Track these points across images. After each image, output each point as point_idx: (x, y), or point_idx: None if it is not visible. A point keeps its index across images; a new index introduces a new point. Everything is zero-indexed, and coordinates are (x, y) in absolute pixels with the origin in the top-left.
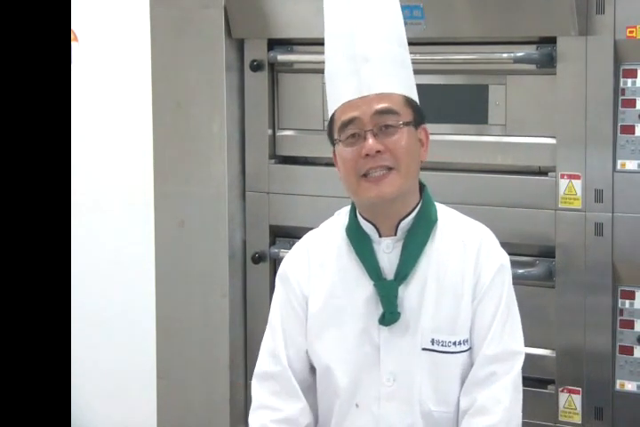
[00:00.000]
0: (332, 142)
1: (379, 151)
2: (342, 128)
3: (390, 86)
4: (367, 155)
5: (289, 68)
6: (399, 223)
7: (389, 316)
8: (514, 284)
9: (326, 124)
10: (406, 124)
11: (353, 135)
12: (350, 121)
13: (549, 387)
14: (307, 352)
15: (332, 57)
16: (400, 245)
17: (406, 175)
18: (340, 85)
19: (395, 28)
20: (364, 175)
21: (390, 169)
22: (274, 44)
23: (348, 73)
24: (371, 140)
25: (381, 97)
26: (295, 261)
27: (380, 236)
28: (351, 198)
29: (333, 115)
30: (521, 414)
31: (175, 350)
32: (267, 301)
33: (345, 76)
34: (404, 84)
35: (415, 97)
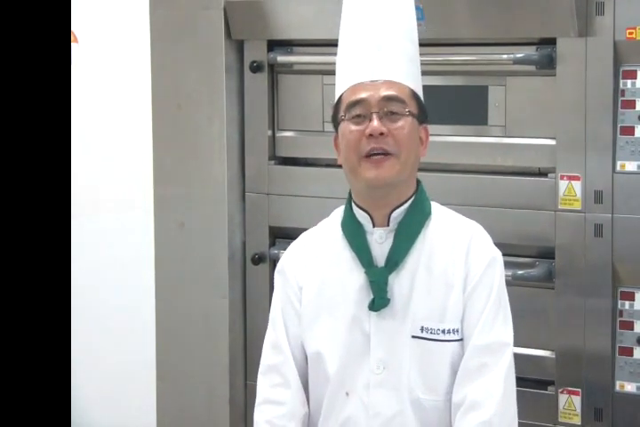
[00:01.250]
0: (336, 125)
1: (382, 134)
2: (349, 108)
3: (401, 76)
4: (371, 135)
5: (289, 69)
6: (391, 213)
7: (379, 301)
8: (514, 285)
9: (326, 125)
10: (411, 113)
11: (359, 115)
12: (358, 102)
13: (549, 388)
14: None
15: (346, 41)
16: (392, 235)
17: (405, 163)
18: (351, 68)
19: (409, 25)
20: (365, 157)
21: (390, 155)
22: (273, 45)
23: (362, 57)
24: (376, 122)
25: (391, 84)
26: (292, 256)
27: (374, 226)
28: (349, 183)
29: (341, 96)
30: (516, 405)
31: (175, 351)
32: (266, 302)
33: (358, 60)
34: (413, 79)
35: (421, 94)
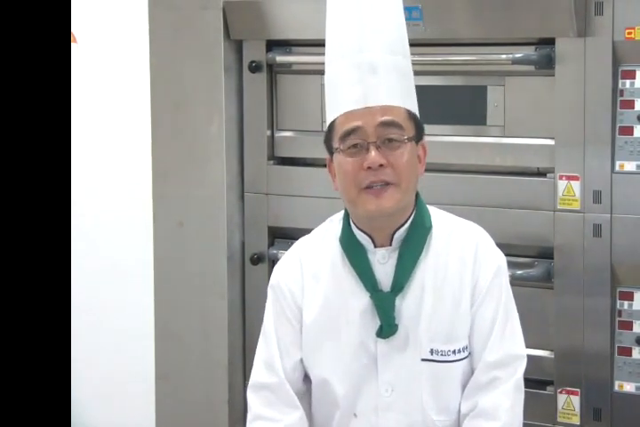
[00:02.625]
0: (330, 151)
1: (381, 165)
2: (344, 137)
3: (395, 99)
4: (369, 168)
5: (287, 69)
6: (394, 233)
7: (387, 328)
8: (512, 285)
9: (325, 125)
10: (409, 139)
11: (355, 146)
12: (353, 131)
13: (548, 388)
14: (301, 362)
15: (334, 62)
16: (395, 255)
17: (406, 191)
18: (343, 93)
19: (400, 38)
20: (365, 188)
21: (390, 184)
22: (272, 45)
23: (353, 81)
24: (373, 153)
25: (386, 109)
26: (288, 271)
27: (375, 246)
28: (347, 208)
29: (333, 122)
30: (522, 415)
31: (174, 351)
32: (265, 302)
33: (349, 85)
34: (408, 98)
35: (416, 111)
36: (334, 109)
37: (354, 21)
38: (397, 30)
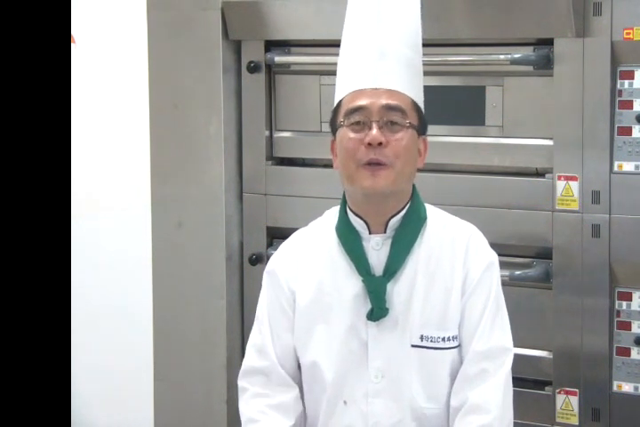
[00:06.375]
0: (334, 129)
1: (380, 143)
2: (349, 114)
3: (404, 86)
4: (369, 144)
5: (286, 69)
6: (388, 221)
7: (378, 311)
8: (511, 285)
9: (323, 125)
10: (412, 125)
11: (358, 122)
12: (358, 109)
13: (546, 388)
14: (294, 349)
15: (349, 44)
16: (389, 242)
17: (401, 173)
18: (353, 73)
19: (413, 33)
20: (363, 164)
21: (387, 165)
22: (271, 45)
23: (365, 63)
24: (375, 131)
25: (393, 94)
26: (283, 257)
27: (370, 233)
28: (343, 189)
29: (340, 102)
30: (512, 409)
31: (172, 351)
32: None
33: (361, 65)
34: (415, 89)
35: (422, 105)
36: (344, 88)
37: (372, 10)
38: (411, 25)
